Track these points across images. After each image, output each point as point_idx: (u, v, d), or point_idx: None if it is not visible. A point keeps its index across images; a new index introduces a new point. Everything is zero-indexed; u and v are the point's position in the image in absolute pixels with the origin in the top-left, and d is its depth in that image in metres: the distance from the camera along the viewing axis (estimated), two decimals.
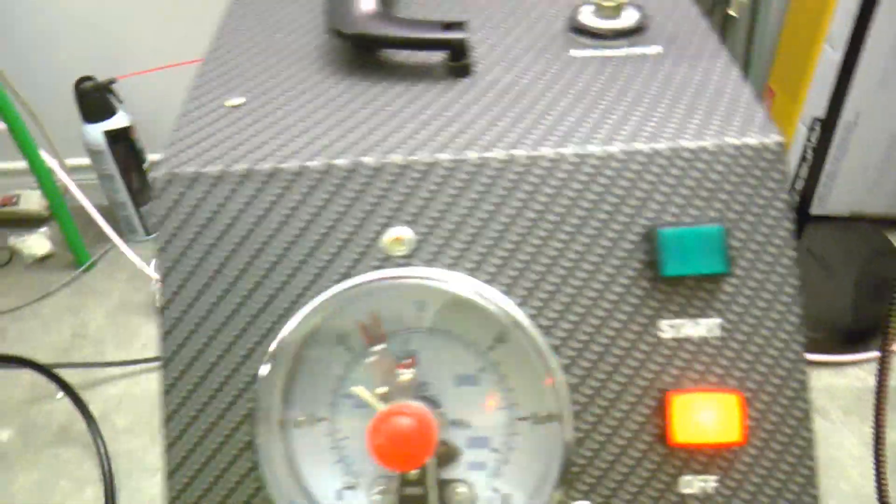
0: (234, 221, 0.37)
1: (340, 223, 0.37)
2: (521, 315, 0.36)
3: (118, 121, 1.17)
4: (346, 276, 0.37)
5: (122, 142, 1.19)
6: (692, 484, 0.35)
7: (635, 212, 0.36)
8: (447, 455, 0.38)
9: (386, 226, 0.37)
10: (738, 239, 0.36)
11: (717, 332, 0.36)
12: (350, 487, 0.39)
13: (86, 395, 0.96)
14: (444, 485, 0.38)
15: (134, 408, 1.00)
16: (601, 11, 0.46)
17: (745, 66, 1.14)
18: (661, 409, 0.35)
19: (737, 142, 0.36)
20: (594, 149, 0.37)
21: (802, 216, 0.96)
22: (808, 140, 1.05)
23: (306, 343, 0.38)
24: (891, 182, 1.07)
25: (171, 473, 0.37)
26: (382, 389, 0.37)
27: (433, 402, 0.38)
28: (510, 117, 0.39)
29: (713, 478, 0.35)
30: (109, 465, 0.91)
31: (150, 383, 1.03)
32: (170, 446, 0.37)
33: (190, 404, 0.37)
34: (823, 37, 0.99)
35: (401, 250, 0.37)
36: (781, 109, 1.08)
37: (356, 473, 0.39)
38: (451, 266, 0.36)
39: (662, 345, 0.36)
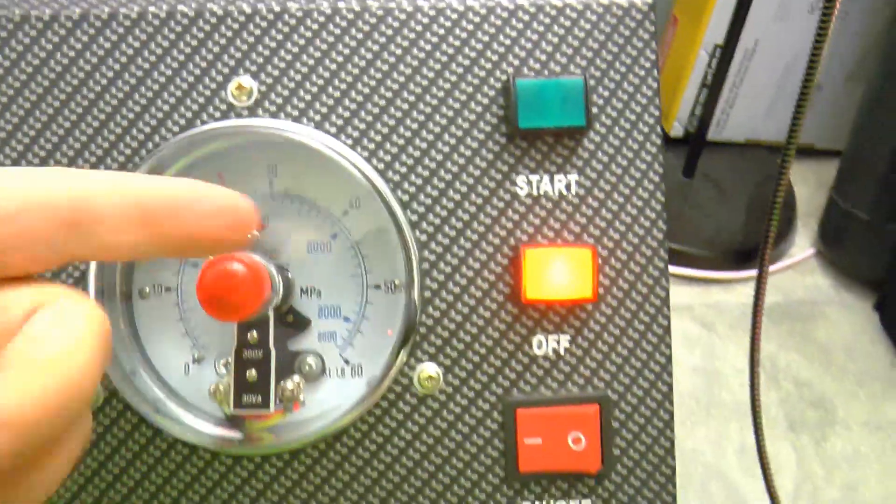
0: (65, 70, 0.35)
1: (181, 71, 0.34)
2: (369, 169, 0.34)
3: None
4: (186, 127, 0.34)
5: None
6: (544, 344, 0.35)
7: (493, 66, 0.35)
8: (297, 325, 0.36)
9: (230, 76, 0.34)
10: (601, 96, 0.35)
11: (574, 189, 0.35)
12: (197, 361, 0.37)
13: None
14: (293, 356, 0.36)
15: None
16: None
17: None
18: (513, 268, 0.34)
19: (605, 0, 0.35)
20: (453, 1, 0.35)
21: (700, 142, 0.98)
22: (709, 66, 1.06)
23: None
24: (784, 110, 1.09)
25: None
26: None
27: (283, 270, 0.36)
28: None
29: (566, 337, 0.35)
30: None
31: None
32: None
33: None
34: None
35: (244, 101, 0.34)
36: (684, 36, 1.08)
37: (203, 346, 0.37)
38: (297, 119, 0.34)
39: (517, 201, 0.35)
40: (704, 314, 0.90)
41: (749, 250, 0.94)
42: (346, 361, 0.37)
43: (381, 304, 0.37)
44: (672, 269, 0.73)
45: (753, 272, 0.94)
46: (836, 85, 1.05)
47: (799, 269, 0.97)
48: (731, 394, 0.84)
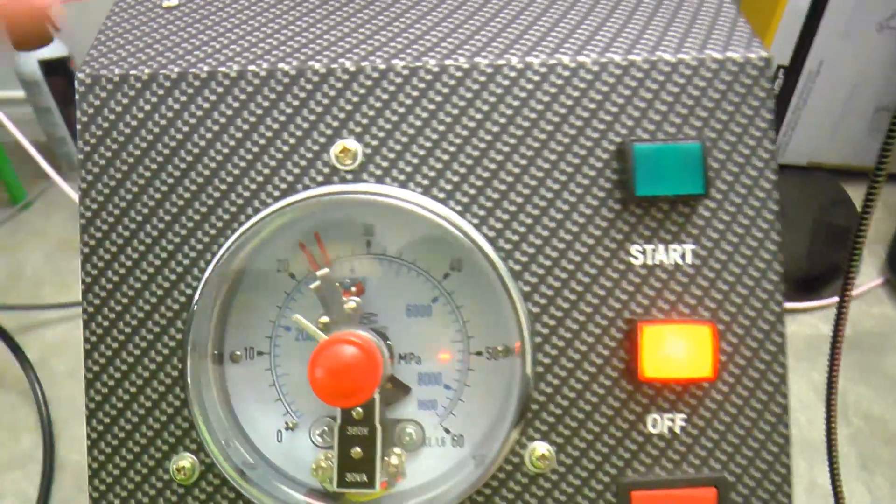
0: (163, 130, 0.34)
1: (283, 133, 0.33)
2: (479, 238, 0.33)
3: (54, 49, 1.10)
4: (288, 191, 0.33)
5: (59, 73, 1.11)
6: (659, 422, 0.33)
7: (607, 127, 0.33)
8: (395, 393, 0.35)
9: (333, 137, 0.33)
10: (717, 159, 0.33)
11: (690, 259, 0.33)
12: (290, 428, 0.36)
13: (22, 340, 0.91)
14: (391, 425, 0.35)
15: (73, 352, 0.95)
16: None
17: None
18: (627, 342, 0.33)
19: (719, 56, 0.33)
20: (565, 58, 0.33)
21: None
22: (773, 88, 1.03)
23: (243, 267, 0.35)
24: (848, 132, 1.06)
25: (92, 413, 0.34)
26: (325, 319, 0.33)
27: (381, 335, 0.35)
28: (473, 23, 0.36)
29: (681, 416, 0.33)
30: (48, 411, 0.86)
31: None
32: (90, 383, 0.34)
33: (113, 335, 0.34)
34: None
35: (348, 164, 0.33)
36: None
37: (297, 413, 0.36)
38: (403, 183, 0.33)
39: (632, 271, 0.33)
40: None
41: (813, 279, 0.91)
42: (447, 431, 0.35)
43: (483, 372, 0.35)
44: None
45: (818, 302, 0.91)
46: None
47: (866, 299, 0.94)
48: (799, 429, 0.81)
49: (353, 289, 0.35)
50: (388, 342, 0.35)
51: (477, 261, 0.33)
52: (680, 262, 0.33)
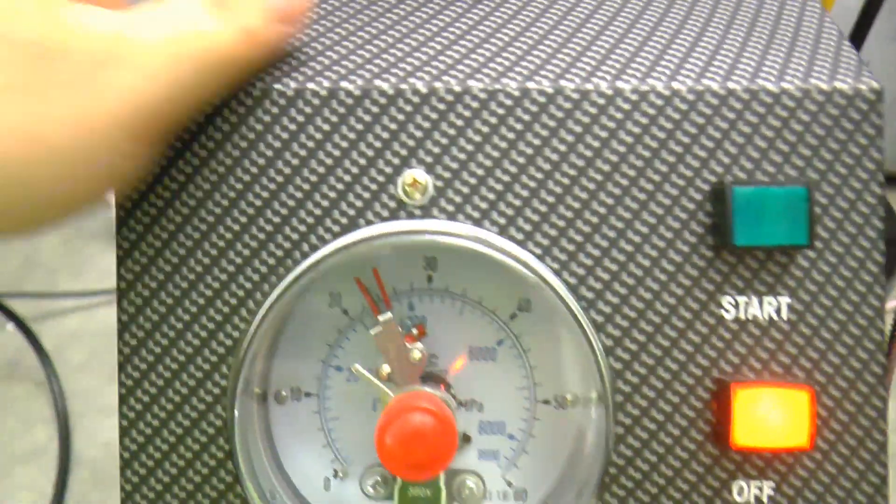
0: (210, 156, 0.31)
1: (344, 161, 0.30)
2: (560, 286, 0.30)
3: None
4: (349, 227, 0.30)
5: None
6: (745, 491, 0.30)
7: (701, 164, 0.30)
8: None
9: (401, 167, 0.30)
10: (819, 204, 0.30)
11: (786, 314, 0.30)
12: (339, 476, 0.33)
13: (37, 328, 0.89)
14: (450, 476, 0.32)
15: (90, 343, 0.93)
16: None
17: None
18: (715, 403, 0.30)
19: (826, 87, 0.30)
20: (658, 84, 0.30)
21: None
22: None
23: (294, 302, 0.32)
24: (892, 138, 1.03)
25: (127, 463, 0.31)
26: (386, 369, 0.31)
27: (441, 380, 0.32)
28: (554, 39, 0.33)
29: (770, 484, 0.30)
30: (63, 403, 0.84)
31: (108, 317, 0.96)
32: (125, 431, 0.31)
33: (152, 379, 0.31)
34: None
35: (417, 199, 0.30)
36: None
37: (347, 459, 0.33)
38: (478, 222, 0.30)
39: (723, 326, 0.30)
40: None
41: None
42: (510, 484, 0.33)
43: (550, 422, 0.33)
44: None
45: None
46: None
47: None
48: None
49: (415, 330, 0.32)
50: (451, 390, 0.32)
51: (549, 303, 0.30)
52: (774, 317, 0.30)
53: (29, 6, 0.25)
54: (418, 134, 0.30)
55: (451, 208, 0.30)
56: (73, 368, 0.89)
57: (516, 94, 0.30)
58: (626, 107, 0.30)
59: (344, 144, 0.30)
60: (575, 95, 0.30)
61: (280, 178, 0.30)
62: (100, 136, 0.26)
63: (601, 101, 0.30)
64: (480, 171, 0.30)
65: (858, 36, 0.85)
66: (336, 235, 0.30)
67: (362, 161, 0.30)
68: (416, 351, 0.30)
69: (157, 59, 0.26)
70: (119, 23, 0.27)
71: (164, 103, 0.27)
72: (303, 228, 0.30)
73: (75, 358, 0.90)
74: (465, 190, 0.30)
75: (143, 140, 0.27)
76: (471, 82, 0.30)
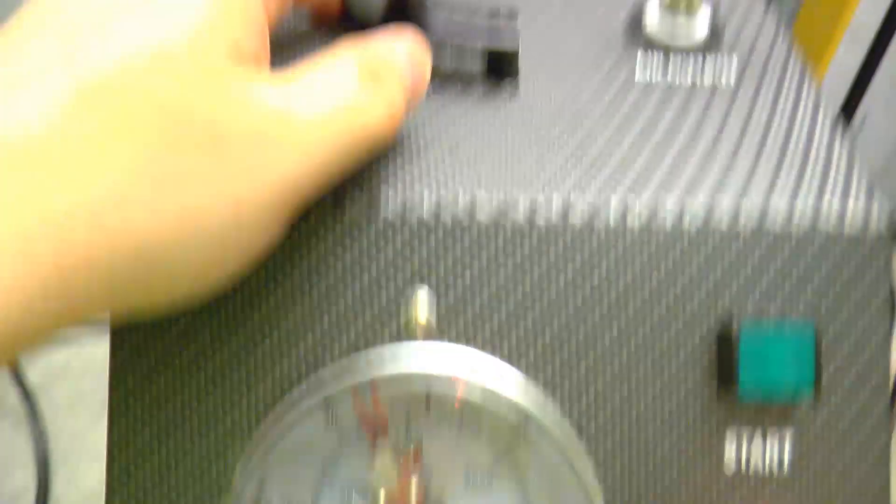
0: None
1: (349, 284, 0.30)
2: (565, 426, 0.29)
3: None
4: (350, 349, 0.30)
5: None
6: None
7: (707, 296, 0.30)
8: None
9: (401, 292, 0.30)
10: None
11: (787, 467, 0.30)
12: None
13: (21, 363, 0.88)
14: None
15: (77, 380, 0.92)
16: (673, 7, 0.38)
17: None
18: None
19: (834, 232, 0.30)
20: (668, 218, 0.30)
21: None
22: None
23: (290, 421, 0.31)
24: (889, 188, 1.03)
25: None
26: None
27: None
28: (560, 159, 0.32)
29: None
30: (45, 445, 0.83)
31: (97, 352, 0.95)
32: None
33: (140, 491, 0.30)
34: (841, 36, 0.92)
35: (422, 321, 0.30)
36: None
37: None
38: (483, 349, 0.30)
39: (722, 479, 0.30)
40: None
41: None
42: None
43: None
44: None
45: None
46: None
47: None
48: None
49: (411, 455, 0.31)
50: None
51: (549, 435, 0.30)
52: (776, 470, 0.30)
53: (202, 79, 0.23)
54: (424, 254, 0.30)
55: (454, 334, 0.30)
56: (59, 407, 0.87)
57: (524, 225, 0.30)
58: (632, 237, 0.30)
59: (343, 265, 0.30)
60: (586, 217, 0.30)
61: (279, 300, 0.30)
62: (249, 218, 0.24)
63: (605, 236, 0.30)
64: (486, 297, 0.30)
65: (856, 94, 0.85)
66: (337, 356, 0.30)
67: (361, 285, 0.30)
68: (413, 481, 0.30)
69: (314, 136, 0.25)
70: (285, 99, 0.25)
71: (313, 181, 0.26)
72: (299, 353, 0.30)
73: (61, 395, 0.89)
74: (469, 316, 0.30)
75: (284, 218, 0.26)
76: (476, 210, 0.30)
